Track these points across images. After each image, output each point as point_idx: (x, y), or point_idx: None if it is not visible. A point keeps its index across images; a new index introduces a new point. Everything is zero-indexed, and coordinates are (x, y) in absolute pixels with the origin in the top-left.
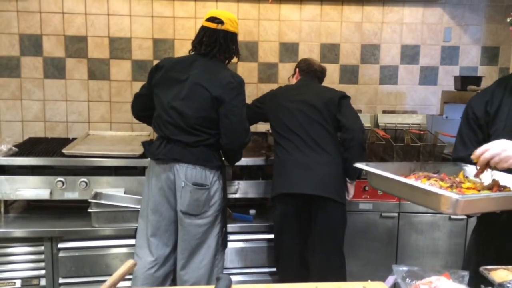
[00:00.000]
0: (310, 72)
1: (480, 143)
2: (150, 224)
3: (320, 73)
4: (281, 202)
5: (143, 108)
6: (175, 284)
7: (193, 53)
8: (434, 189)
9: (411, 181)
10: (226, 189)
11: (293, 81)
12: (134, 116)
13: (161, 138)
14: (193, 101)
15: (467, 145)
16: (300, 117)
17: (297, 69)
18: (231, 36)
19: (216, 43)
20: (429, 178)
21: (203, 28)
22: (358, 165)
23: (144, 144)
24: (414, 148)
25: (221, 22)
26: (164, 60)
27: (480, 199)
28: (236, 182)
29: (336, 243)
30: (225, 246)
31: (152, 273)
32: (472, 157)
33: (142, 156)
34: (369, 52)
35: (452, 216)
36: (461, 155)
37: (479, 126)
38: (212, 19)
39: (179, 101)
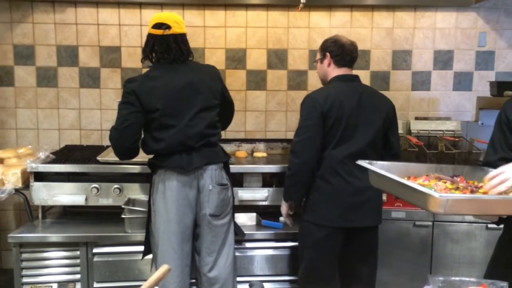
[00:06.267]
0: (346, 57)
1: (510, 147)
2: (175, 238)
3: (356, 57)
4: (327, 227)
5: (135, 138)
6: None
7: (150, 64)
8: (419, 187)
9: (400, 179)
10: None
11: (322, 68)
12: (122, 152)
13: (179, 151)
14: (211, 103)
15: (496, 149)
16: (361, 137)
17: (327, 54)
18: (181, 38)
19: (170, 49)
20: (439, 180)
21: (152, 36)
22: (360, 162)
23: (155, 163)
24: (448, 156)
25: (168, 27)
26: (147, 84)
27: (464, 200)
28: (266, 189)
29: (375, 264)
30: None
31: (182, 286)
32: (485, 187)
33: None
34: (401, 58)
35: (489, 225)
36: (490, 159)
37: (510, 130)
38: (157, 26)
39: (198, 112)
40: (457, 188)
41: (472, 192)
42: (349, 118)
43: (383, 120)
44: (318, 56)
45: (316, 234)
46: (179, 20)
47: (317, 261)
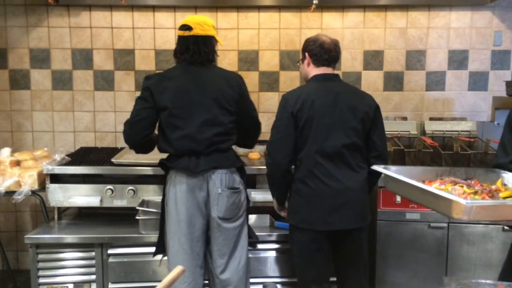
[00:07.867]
0: (324, 55)
1: None
2: (185, 239)
3: (337, 56)
4: (308, 230)
5: (145, 133)
6: None
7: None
8: (443, 193)
9: (421, 184)
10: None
11: (303, 68)
12: (133, 145)
13: (188, 154)
14: (223, 109)
15: (507, 152)
16: (336, 138)
17: (306, 53)
18: (202, 40)
19: (189, 49)
20: (455, 184)
21: (178, 37)
22: (376, 167)
23: (166, 164)
24: (464, 156)
25: (189, 28)
26: (162, 83)
27: (490, 206)
28: None
29: (365, 265)
30: (255, 241)
31: (193, 286)
32: None
33: None
34: (415, 58)
35: (505, 227)
36: (501, 161)
37: None
38: (181, 27)
39: (209, 118)
40: (475, 192)
41: (488, 195)
42: (322, 118)
43: (360, 120)
44: (300, 56)
45: (300, 237)
46: (204, 23)
47: (305, 263)
